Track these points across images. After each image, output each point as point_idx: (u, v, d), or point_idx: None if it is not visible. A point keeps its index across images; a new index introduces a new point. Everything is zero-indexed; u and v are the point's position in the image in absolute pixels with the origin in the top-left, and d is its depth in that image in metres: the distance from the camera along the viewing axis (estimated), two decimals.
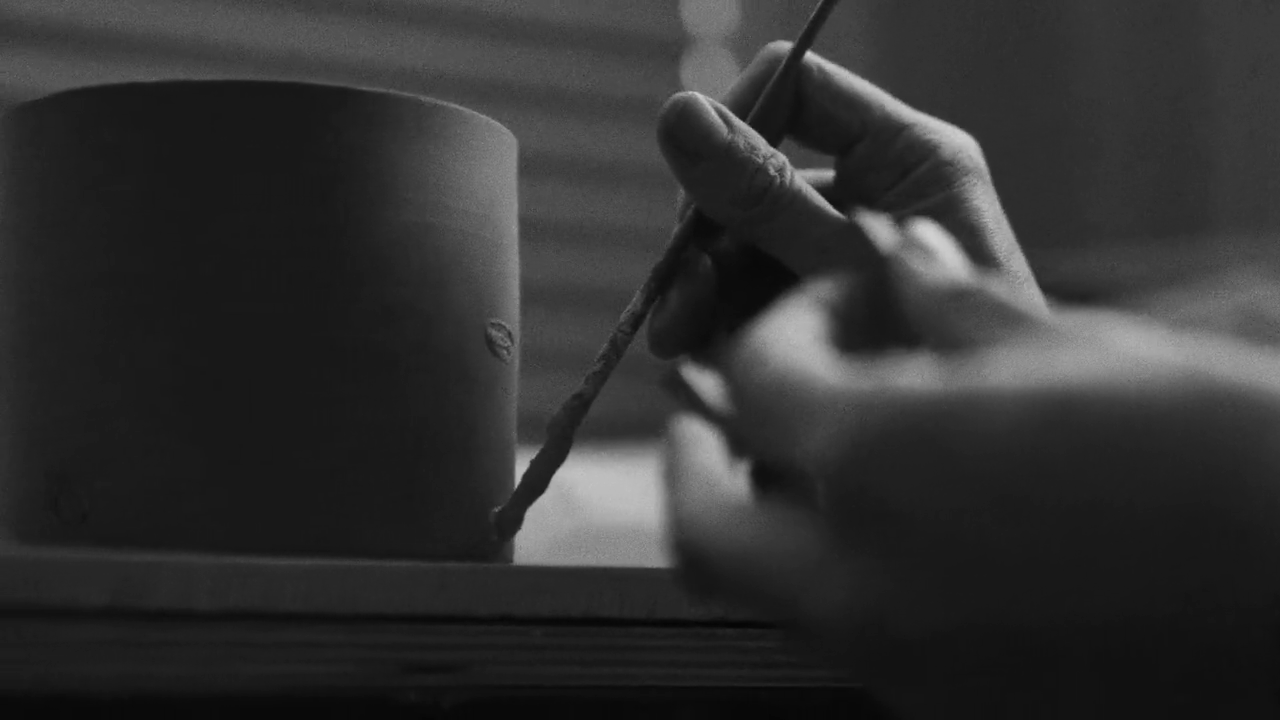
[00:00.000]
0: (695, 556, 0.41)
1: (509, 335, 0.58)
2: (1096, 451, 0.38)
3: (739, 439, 0.43)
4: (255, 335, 0.53)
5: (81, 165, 0.54)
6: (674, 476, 0.43)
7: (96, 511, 0.53)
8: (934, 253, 0.45)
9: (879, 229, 0.46)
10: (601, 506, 0.95)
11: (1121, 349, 0.40)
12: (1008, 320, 0.42)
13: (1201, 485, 0.38)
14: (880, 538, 0.39)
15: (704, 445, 0.43)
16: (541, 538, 0.93)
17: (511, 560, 0.58)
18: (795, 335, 0.42)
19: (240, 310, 0.53)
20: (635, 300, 0.58)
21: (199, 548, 0.53)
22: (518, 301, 0.59)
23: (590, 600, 0.53)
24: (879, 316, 0.46)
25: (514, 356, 0.58)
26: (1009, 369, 0.39)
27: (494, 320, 0.57)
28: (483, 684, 0.51)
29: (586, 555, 0.94)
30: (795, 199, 0.58)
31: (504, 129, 0.58)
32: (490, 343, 0.57)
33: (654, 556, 0.95)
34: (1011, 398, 0.39)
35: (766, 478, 0.47)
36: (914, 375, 0.40)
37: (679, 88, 1.71)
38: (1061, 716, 0.39)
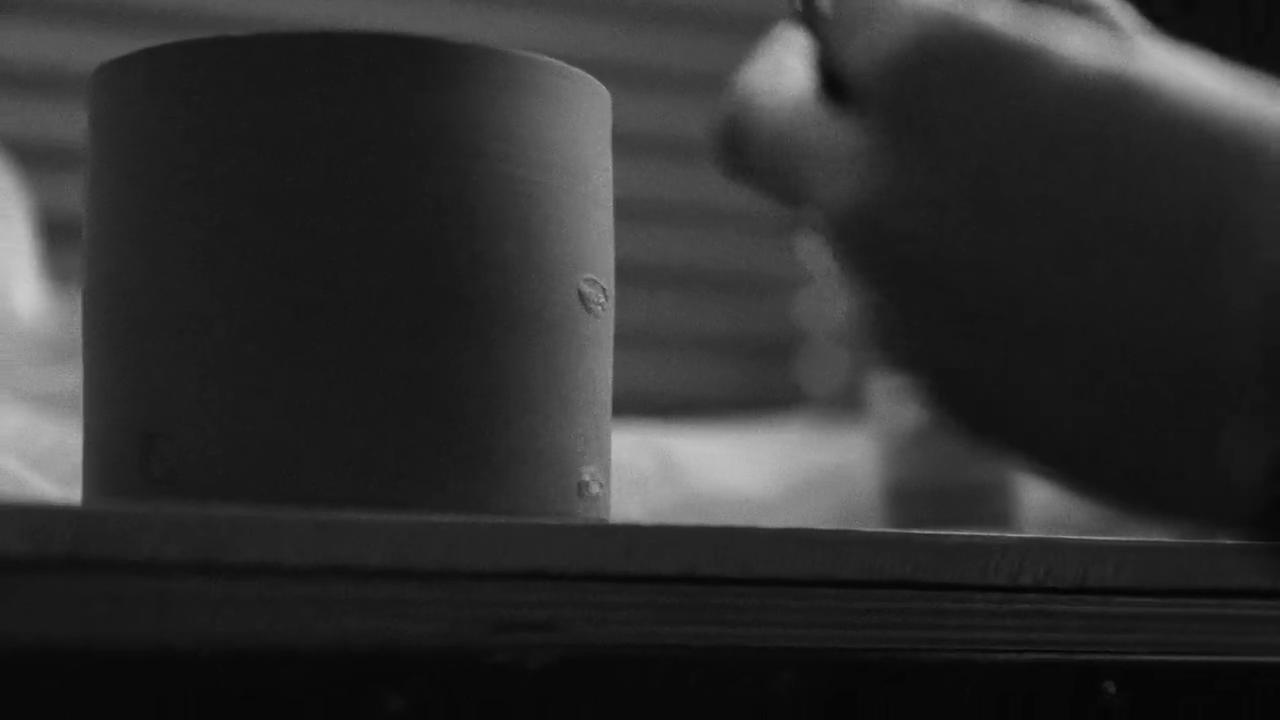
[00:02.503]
0: (740, 131, 0.45)
1: (603, 291, 0.56)
2: (1138, 143, 0.40)
3: (827, 42, 0.46)
4: (342, 289, 0.52)
5: (172, 122, 0.53)
6: (753, 62, 0.46)
7: (184, 469, 0.52)
8: None
9: None
10: (704, 478, 0.94)
11: (1200, 69, 0.41)
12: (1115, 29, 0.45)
13: (1218, 204, 0.39)
14: (916, 143, 0.41)
15: (792, 45, 0.47)
16: (641, 508, 0.92)
17: (606, 520, 0.57)
18: None
19: (328, 263, 0.52)
20: None
21: (285, 502, 0.52)
22: (612, 258, 0.58)
23: (685, 558, 0.51)
24: None
25: (608, 314, 0.57)
26: (1087, 44, 0.42)
27: (587, 276, 0.56)
28: (573, 643, 0.50)
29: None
30: None
31: (596, 82, 0.57)
32: (583, 298, 0.55)
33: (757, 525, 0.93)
34: (1081, 66, 0.41)
35: (837, 92, 0.50)
36: (1001, 13, 0.42)
37: None
38: (1017, 379, 0.41)
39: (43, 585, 0.46)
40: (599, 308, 0.56)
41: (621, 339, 1.60)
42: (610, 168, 0.58)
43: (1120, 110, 0.41)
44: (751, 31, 1.70)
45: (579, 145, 0.56)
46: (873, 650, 0.53)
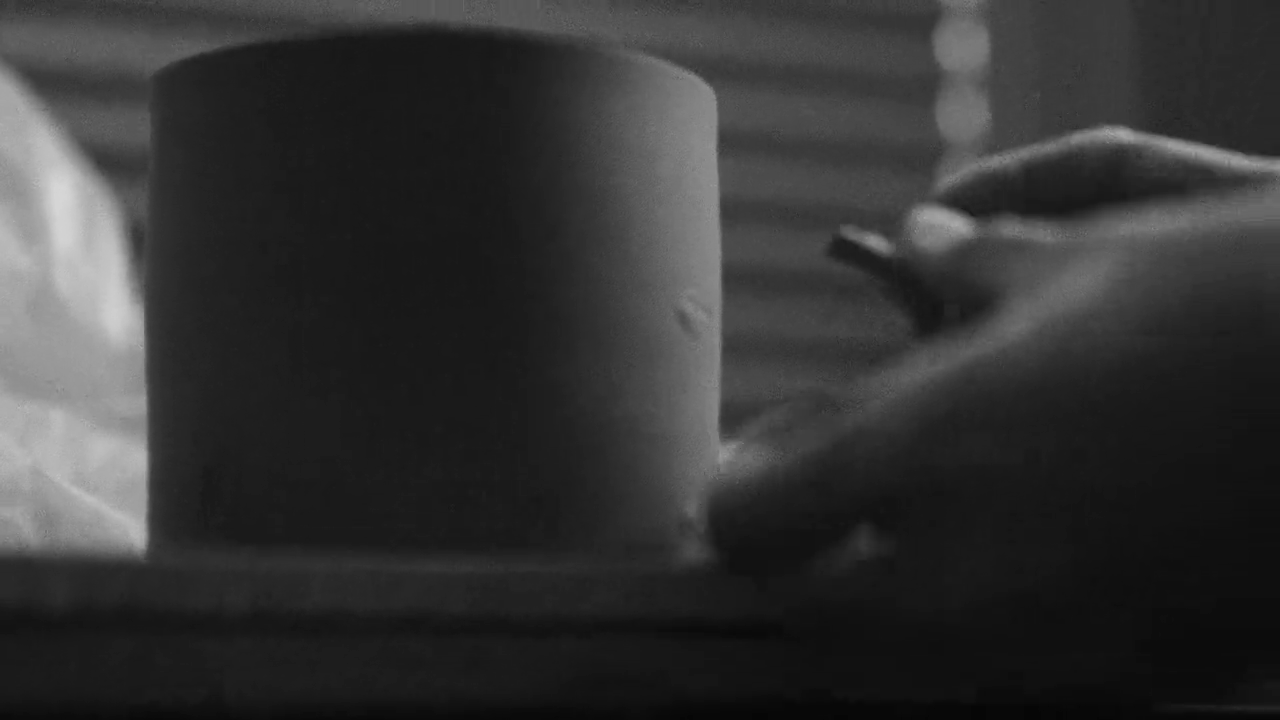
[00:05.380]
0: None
1: (707, 310, 0.52)
2: (1099, 386, 0.39)
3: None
4: (420, 307, 0.48)
5: (238, 131, 0.49)
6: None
7: (248, 507, 0.49)
8: (934, 226, 0.49)
9: (870, 239, 0.52)
10: None
11: (1120, 261, 0.40)
12: (1020, 252, 0.44)
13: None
14: (943, 517, 0.41)
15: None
16: None
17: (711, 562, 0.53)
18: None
19: (405, 278, 0.48)
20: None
21: (356, 546, 0.48)
22: (718, 274, 0.53)
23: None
24: (919, 310, 0.51)
25: (712, 335, 0.52)
26: (1022, 312, 0.41)
27: (689, 293, 0.51)
28: (672, 700, 0.46)
29: None
30: None
31: (700, 82, 0.52)
32: (683, 317, 0.51)
33: None
34: (1031, 341, 0.40)
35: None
36: (934, 356, 0.41)
37: (933, 64, 1.64)
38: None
39: (92, 642, 0.42)
40: (702, 328, 0.52)
41: (747, 348, 1.56)
42: (715, 174, 0.53)
43: (1073, 355, 0.40)
44: (896, 26, 1.65)
45: (681, 150, 0.51)
46: (1009, 705, 0.48)
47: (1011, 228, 0.45)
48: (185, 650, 0.43)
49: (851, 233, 0.52)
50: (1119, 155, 0.53)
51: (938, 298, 0.48)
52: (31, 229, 0.77)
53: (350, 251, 0.48)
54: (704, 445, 0.52)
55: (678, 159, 0.51)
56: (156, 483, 0.51)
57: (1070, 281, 0.41)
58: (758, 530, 0.44)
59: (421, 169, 0.48)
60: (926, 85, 1.65)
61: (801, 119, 1.62)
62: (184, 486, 0.50)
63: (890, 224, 1.62)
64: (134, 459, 0.70)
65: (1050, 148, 0.54)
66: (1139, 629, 0.40)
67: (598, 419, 0.49)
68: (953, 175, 0.55)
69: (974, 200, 0.54)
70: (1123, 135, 0.53)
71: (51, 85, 1.43)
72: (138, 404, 0.74)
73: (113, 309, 0.78)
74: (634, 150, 0.50)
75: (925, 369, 0.42)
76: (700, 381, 0.52)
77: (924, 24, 1.66)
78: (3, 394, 0.71)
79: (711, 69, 1.60)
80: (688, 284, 0.51)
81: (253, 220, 0.49)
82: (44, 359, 0.75)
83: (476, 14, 1.54)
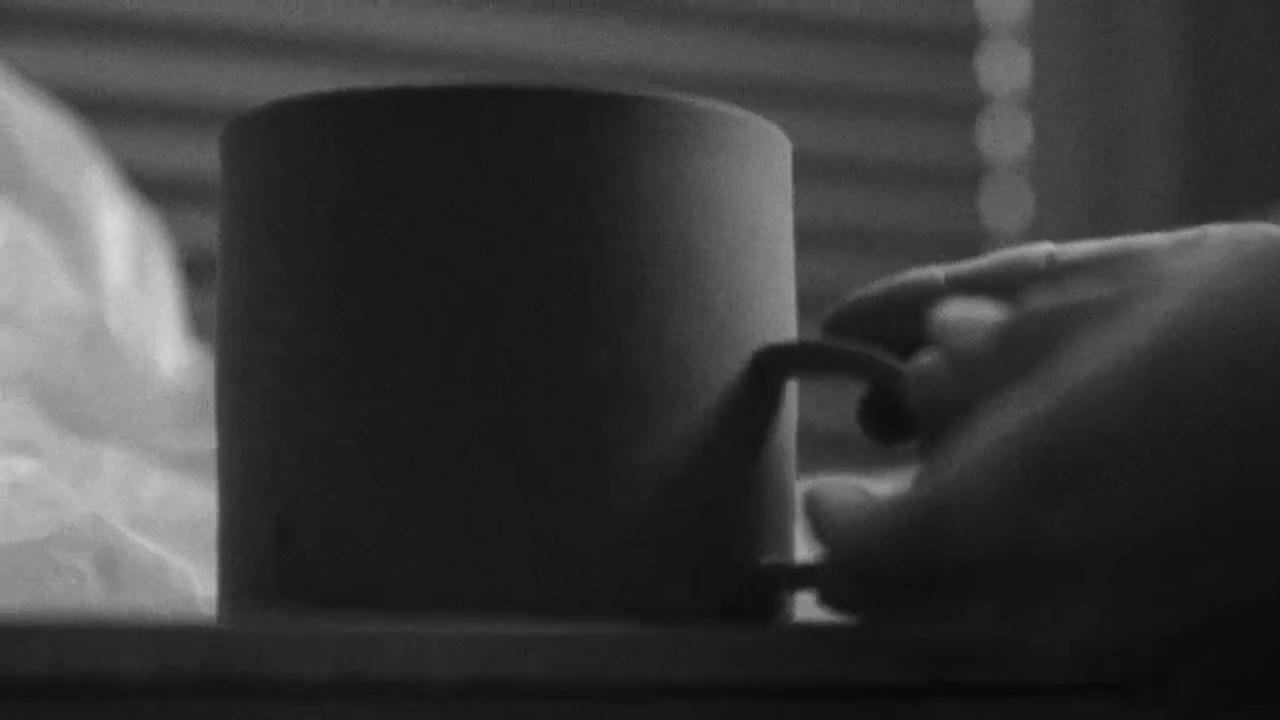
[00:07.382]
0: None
1: None
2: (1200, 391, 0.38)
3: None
4: (497, 367, 0.47)
5: (309, 182, 0.49)
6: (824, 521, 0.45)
7: (320, 562, 0.48)
8: (961, 323, 0.47)
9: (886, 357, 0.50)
10: None
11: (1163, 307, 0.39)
12: (1063, 321, 0.43)
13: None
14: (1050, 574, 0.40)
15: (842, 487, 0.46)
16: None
17: (791, 618, 0.52)
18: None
19: (481, 339, 0.47)
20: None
21: (433, 608, 0.47)
22: (795, 324, 0.52)
23: (864, 665, 0.46)
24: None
25: (792, 387, 0.52)
26: (1092, 352, 0.40)
27: (766, 343, 0.50)
28: None
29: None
30: None
31: (775, 130, 0.52)
32: (761, 370, 0.50)
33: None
34: (1115, 375, 0.39)
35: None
36: (1013, 403, 0.41)
37: (974, 85, 1.63)
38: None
39: (169, 711, 0.42)
40: (781, 381, 0.51)
41: None
42: (791, 220, 0.52)
43: (1167, 376, 0.38)
44: (938, 45, 1.64)
45: (757, 200, 0.50)
46: None
47: (1044, 296, 0.44)
48: (264, 719, 0.42)
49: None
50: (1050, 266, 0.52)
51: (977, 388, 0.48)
52: (83, 265, 0.76)
53: (425, 307, 0.47)
54: (781, 493, 0.51)
55: (757, 209, 0.50)
56: (227, 534, 0.50)
57: (1137, 322, 0.40)
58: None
59: (499, 227, 0.48)
60: (967, 107, 1.63)
61: (839, 141, 1.61)
62: (255, 538, 0.49)
63: (929, 246, 1.61)
64: (189, 498, 0.69)
65: (980, 261, 0.53)
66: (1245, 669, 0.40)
67: (672, 478, 0.48)
68: (873, 285, 0.54)
69: (893, 309, 0.53)
70: (1050, 247, 0.53)
71: (101, 113, 1.42)
72: (191, 441, 0.74)
73: (165, 345, 0.78)
74: (711, 201, 0.49)
75: (996, 427, 0.41)
76: (777, 433, 0.51)
77: (965, 45, 1.64)
78: (56, 434, 0.71)
79: (749, 92, 1.59)
80: (766, 337, 0.50)
81: (326, 272, 0.48)
82: (97, 397, 0.74)
83: (522, 41, 1.53)
